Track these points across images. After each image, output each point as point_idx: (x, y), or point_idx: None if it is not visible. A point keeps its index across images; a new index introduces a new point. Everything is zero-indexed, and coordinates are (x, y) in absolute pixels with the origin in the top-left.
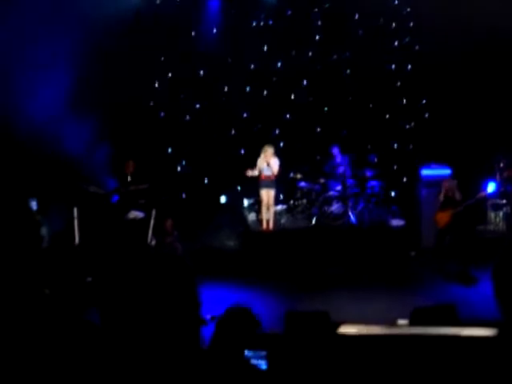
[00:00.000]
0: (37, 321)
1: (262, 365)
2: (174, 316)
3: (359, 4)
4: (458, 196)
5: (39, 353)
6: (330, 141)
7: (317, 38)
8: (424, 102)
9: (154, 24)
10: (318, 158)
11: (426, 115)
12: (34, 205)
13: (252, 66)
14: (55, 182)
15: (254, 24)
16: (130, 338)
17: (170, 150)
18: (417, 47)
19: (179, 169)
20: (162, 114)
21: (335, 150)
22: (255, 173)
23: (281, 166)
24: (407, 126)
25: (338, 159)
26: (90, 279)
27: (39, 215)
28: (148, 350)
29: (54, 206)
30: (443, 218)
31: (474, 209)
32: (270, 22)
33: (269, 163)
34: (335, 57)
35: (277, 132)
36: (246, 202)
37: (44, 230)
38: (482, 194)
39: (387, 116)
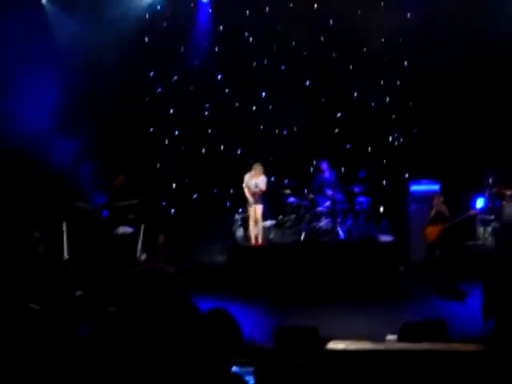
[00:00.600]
0: (26, 336)
1: (250, 380)
2: (167, 331)
3: (348, 20)
4: (446, 212)
5: (29, 366)
6: (318, 156)
7: (304, 53)
8: (413, 117)
9: (143, 39)
10: (307, 173)
11: (415, 131)
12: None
13: (241, 81)
14: (44, 198)
15: (244, 39)
16: (120, 353)
17: (158, 166)
18: (406, 63)
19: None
20: (151, 129)
21: (324, 165)
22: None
23: (269, 181)
24: (396, 142)
25: (327, 174)
26: (79, 293)
27: (38, 232)
28: (139, 365)
29: (45, 221)
30: (433, 232)
31: (463, 224)
32: (260, 39)
33: (257, 182)
34: (324, 72)
35: (266, 147)
36: (234, 218)
37: (41, 248)
38: (473, 211)
39: (376, 131)
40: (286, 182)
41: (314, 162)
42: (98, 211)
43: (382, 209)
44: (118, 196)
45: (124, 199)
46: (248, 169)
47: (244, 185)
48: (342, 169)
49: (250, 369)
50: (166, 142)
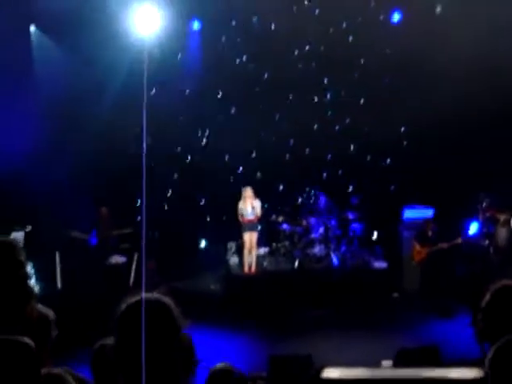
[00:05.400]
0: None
1: None
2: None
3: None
4: (431, 235)
5: None
6: (311, 183)
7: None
8: (405, 143)
9: (133, 67)
10: (300, 200)
11: (408, 155)
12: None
13: (233, 109)
14: (38, 228)
15: (231, 59)
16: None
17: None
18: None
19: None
20: (143, 155)
21: (318, 192)
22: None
23: (262, 208)
24: (386, 163)
25: (321, 201)
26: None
27: (28, 264)
28: None
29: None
30: (420, 253)
31: (455, 249)
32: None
33: (254, 206)
34: (316, 99)
35: (258, 174)
36: (227, 246)
37: (32, 283)
38: (459, 240)
39: (369, 157)
40: (279, 208)
41: (308, 189)
42: (90, 240)
43: (375, 235)
44: (106, 227)
45: (111, 229)
46: (239, 195)
47: (239, 213)
48: (336, 195)
49: None
50: (158, 169)
